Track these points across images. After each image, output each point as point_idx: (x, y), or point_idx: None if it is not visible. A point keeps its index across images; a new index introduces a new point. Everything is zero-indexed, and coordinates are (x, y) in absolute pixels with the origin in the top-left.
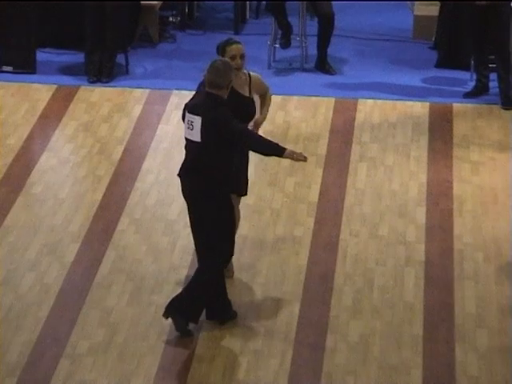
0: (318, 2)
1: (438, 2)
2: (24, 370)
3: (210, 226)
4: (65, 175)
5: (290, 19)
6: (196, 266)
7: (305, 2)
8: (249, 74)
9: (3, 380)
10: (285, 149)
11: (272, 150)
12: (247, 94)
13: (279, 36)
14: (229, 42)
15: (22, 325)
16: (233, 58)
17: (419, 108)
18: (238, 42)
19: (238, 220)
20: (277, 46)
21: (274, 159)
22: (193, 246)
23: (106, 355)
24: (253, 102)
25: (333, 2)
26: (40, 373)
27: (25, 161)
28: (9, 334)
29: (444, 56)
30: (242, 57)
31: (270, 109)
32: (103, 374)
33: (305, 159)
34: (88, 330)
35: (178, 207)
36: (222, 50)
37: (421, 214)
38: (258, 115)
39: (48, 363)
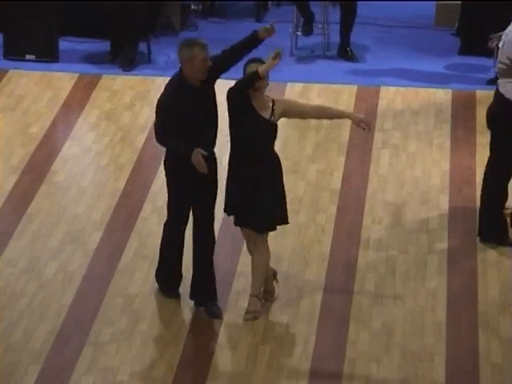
0: None
1: None
2: (48, 358)
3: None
4: (87, 163)
5: (311, 6)
6: (219, 253)
7: None
8: (273, 101)
9: (28, 368)
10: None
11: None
12: (268, 117)
13: (301, 23)
14: (249, 61)
15: (46, 313)
16: None
17: (442, 95)
18: (260, 61)
19: (261, 257)
20: (299, 33)
21: (296, 147)
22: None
23: (129, 342)
24: (273, 126)
25: None
26: (64, 360)
27: (47, 149)
28: (33, 322)
29: (467, 43)
30: (263, 77)
31: (293, 96)
32: (127, 361)
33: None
34: (111, 317)
35: None
36: (244, 69)
37: (443, 202)
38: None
39: (72, 350)
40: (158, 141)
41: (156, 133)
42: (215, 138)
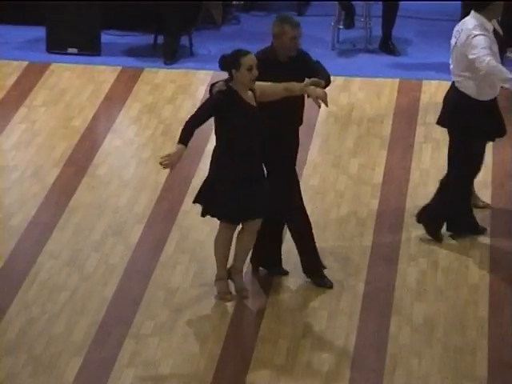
0: None
1: None
2: (90, 350)
3: None
4: (129, 157)
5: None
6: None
7: None
8: (250, 88)
9: (70, 360)
10: (178, 143)
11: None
12: (256, 105)
13: (343, 17)
14: (242, 53)
15: (88, 305)
16: (250, 68)
17: None
18: (250, 52)
19: (253, 238)
20: (340, 27)
21: (337, 141)
22: None
23: (170, 335)
24: (259, 112)
25: None
26: (106, 352)
27: (89, 142)
28: (75, 315)
29: (509, 37)
30: (257, 67)
31: (334, 90)
32: (168, 354)
33: (164, 166)
34: (152, 310)
35: None
36: (233, 62)
37: (486, 196)
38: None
39: (113, 343)
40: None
41: None
42: (297, 114)
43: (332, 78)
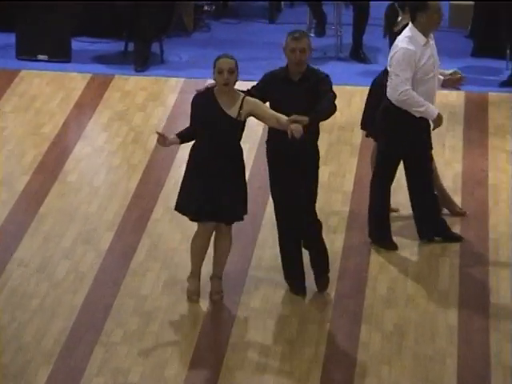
0: None
1: None
2: (59, 358)
3: None
4: (100, 164)
5: (324, 8)
6: (231, 255)
7: None
8: (243, 98)
9: (39, 368)
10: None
11: None
12: (234, 116)
13: (314, 25)
14: (219, 56)
15: (57, 313)
16: (220, 72)
17: (454, 97)
18: (230, 57)
19: (229, 243)
20: (312, 35)
21: None
22: None
23: (140, 343)
24: (239, 124)
25: None
26: (75, 360)
27: (60, 149)
28: (44, 322)
29: (480, 45)
30: (231, 71)
31: None
32: (138, 361)
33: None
34: (123, 318)
35: None
36: (214, 65)
37: (456, 203)
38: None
39: (83, 351)
40: None
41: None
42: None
43: None
